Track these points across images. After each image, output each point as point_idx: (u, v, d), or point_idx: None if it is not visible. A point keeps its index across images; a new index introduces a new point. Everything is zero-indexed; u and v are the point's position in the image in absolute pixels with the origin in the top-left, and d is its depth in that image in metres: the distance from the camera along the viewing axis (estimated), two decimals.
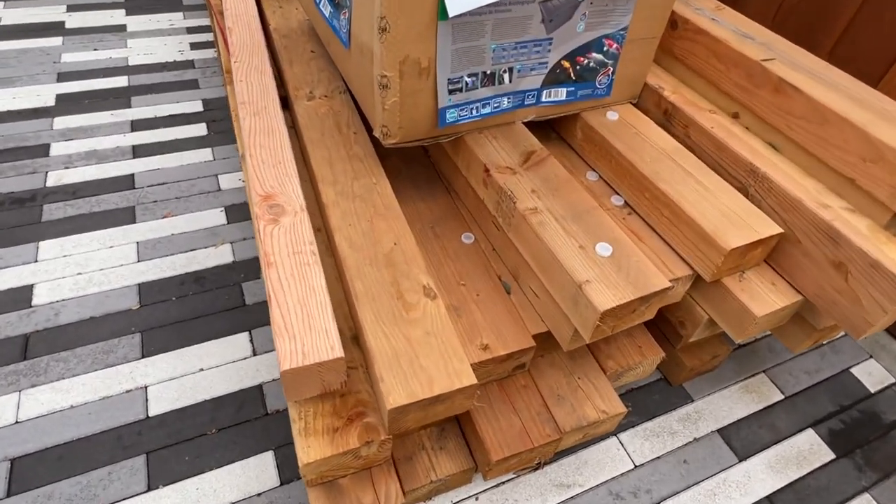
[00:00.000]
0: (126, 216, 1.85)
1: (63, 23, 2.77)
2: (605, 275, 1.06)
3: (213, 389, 1.43)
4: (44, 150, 2.05)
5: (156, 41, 2.70)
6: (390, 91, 1.17)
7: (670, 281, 1.13)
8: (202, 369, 1.47)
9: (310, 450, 1.00)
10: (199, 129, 2.22)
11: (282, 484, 1.29)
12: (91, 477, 1.26)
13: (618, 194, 1.39)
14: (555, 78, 1.32)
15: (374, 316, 1.07)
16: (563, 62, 1.30)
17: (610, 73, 1.37)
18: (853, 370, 1.65)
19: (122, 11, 2.89)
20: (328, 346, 0.95)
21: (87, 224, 1.80)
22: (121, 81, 2.43)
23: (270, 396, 1.44)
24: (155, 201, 1.91)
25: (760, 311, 1.16)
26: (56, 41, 2.64)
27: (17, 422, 1.33)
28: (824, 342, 1.71)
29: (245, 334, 1.56)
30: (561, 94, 1.36)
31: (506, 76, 1.25)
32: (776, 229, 1.16)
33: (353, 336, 1.19)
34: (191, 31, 2.80)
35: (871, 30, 1.47)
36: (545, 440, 1.21)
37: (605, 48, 1.31)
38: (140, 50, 2.63)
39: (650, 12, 1.30)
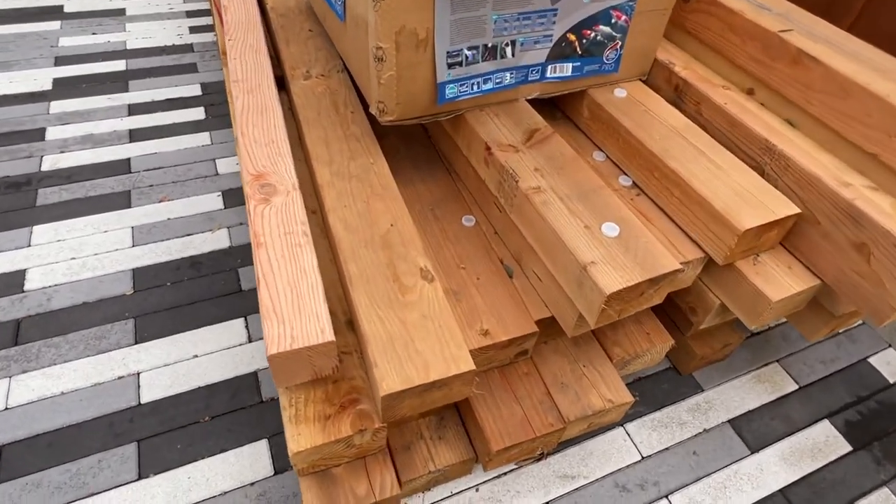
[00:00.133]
0: (121, 201, 1.81)
1: (61, 7, 2.73)
2: (611, 256, 1.00)
3: (207, 376, 1.40)
4: (39, 134, 2.02)
5: (155, 25, 2.65)
6: (386, 64, 1.11)
7: (681, 264, 1.07)
8: (196, 356, 1.43)
9: (300, 438, 0.96)
10: (198, 113, 2.18)
11: (276, 473, 1.25)
12: (81, 465, 1.23)
13: (626, 174, 1.33)
14: (560, 52, 1.25)
15: (369, 299, 1.02)
16: (568, 35, 1.23)
17: (618, 47, 1.30)
18: (871, 360, 1.58)
19: None
20: (318, 329, 0.90)
21: (81, 208, 1.77)
22: (119, 65, 2.39)
23: (266, 384, 1.40)
24: (151, 186, 1.87)
25: (776, 296, 1.10)
26: (54, 25, 2.60)
27: (6, 408, 1.30)
28: (841, 330, 1.65)
29: (241, 320, 1.52)
30: (566, 69, 1.30)
31: (508, 50, 1.19)
32: (793, 209, 1.10)
33: (347, 320, 1.15)
34: (190, 14, 2.76)
35: (893, 5, 1.39)
36: (548, 429, 1.16)
37: (612, 20, 1.24)
38: (139, 34, 2.58)
39: None
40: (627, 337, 1.31)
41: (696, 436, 1.38)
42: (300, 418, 0.98)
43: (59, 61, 2.38)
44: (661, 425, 1.40)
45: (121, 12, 2.72)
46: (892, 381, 1.54)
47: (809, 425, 1.43)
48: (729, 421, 1.42)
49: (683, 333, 1.41)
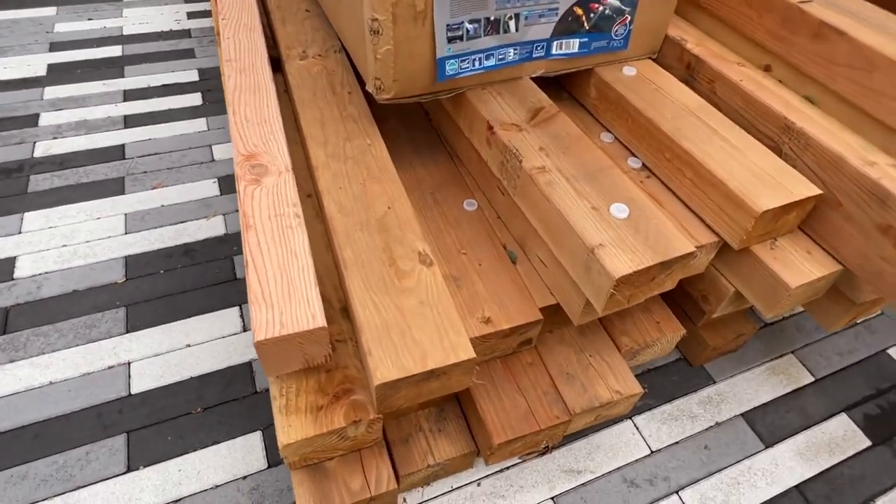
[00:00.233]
0: (115, 187, 1.76)
1: None
2: (620, 238, 0.94)
3: (200, 366, 1.35)
4: (33, 120, 1.97)
5: (152, 10, 2.60)
6: (382, 38, 1.06)
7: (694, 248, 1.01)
8: (189, 345, 1.39)
9: (290, 429, 0.91)
10: (194, 99, 2.13)
11: (269, 466, 1.20)
12: (68, 457, 1.19)
13: (635, 156, 1.27)
14: (566, 27, 1.19)
15: (364, 284, 0.97)
16: (575, 9, 1.17)
17: (627, 22, 1.24)
18: (890, 351, 1.52)
19: None
20: (309, 314, 0.85)
21: (73, 195, 1.72)
22: (115, 51, 2.34)
23: (260, 374, 1.35)
24: (145, 172, 1.82)
25: (795, 282, 1.04)
26: (50, 11, 2.55)
27: None
28: (859, 321, 1.58)
29: (235, 309, 1.47)
30: (573, 45, 1.24)
31: (511, 24, 1.13)
32: (814, 190, 1.04)
33: (342, 308, 1.10)
34: None
35: None
36: (553, 422, 1.11)
37: None
38: (136, 19, 2.53)
39: None
40: (636, 326, 1.26)
41: (707, 429, 1.33)
42: (291, 409, 0.93)
43: (54, 47, 2.33)
44: (671, 418, 1.34)
45: None
46: None
47: (826, 419, 1.37)
48: (742, 414, 1.36)
49: (695, 323, 1.35)
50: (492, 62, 1.18)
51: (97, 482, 1.15)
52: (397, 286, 0.97)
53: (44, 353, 1.35)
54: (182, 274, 1.54)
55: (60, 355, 1.34)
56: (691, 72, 1.31)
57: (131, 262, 1.56)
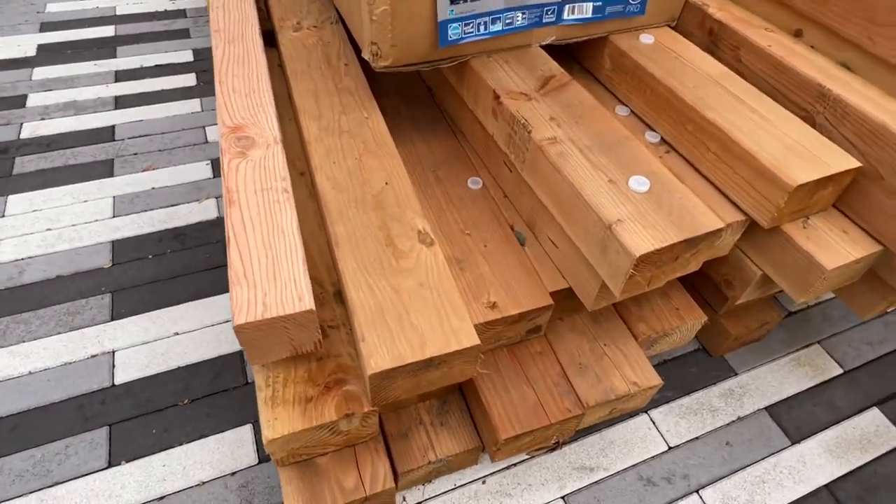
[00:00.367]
0: (103, 169, 1.68)
1: None
2: (641, 213, 0.85)
3: (188, 355, 1.27)
4: (20, 101, 1.90)
5: None
6: None
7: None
8: (177, 333, 1.31)
9: (277, 423, 0.83)
10: (188, 80, 2.04)
11: (260, 462, 1.13)
12: (46, 451, 1.11)
13: (653, 130, 1.17)
14: None
15: (357, 264, 0.88)
16: None
17: None
18: None
19: None
20: (296, 296, 0.77)
21: (60, 177, 1.65)
22: (107, 31, 2.25)
23: None
24: (135, 154, 1.74)
25: (831, 264, 0.95)
26: None
27: None
28: (889, 309, 1.49)
29: (225, 296, 1.39)
30: (586, 9, 1.14)
31: None
32: (853, 163, 0.95)
33: (336, 292, 1.02)
34: None
35: None
36: (565, 416, 1.02)
37: None
38: None
39: None
40: (654, 313, 1.17)
41: (729, 424, 1.24)
42: (278, 400, 0.85)
43: (45, 27, 2.25)
44: (690, 412, 1.25)
45: None
46: None
47: (857, 413, 1.28)
48: (766, 408, 1.27)
49: (715, 311, 1.26)
50: (498, 27, 1.09)
51: (76, 478, 1.08)
52: (394, 266, 0.88)
53: (23, 342, 1.27)
54: (171, 259, 1.46)
55: (41, 343, 1.27)
56: (714, 39, 1.21)
57: (118, 246, 1.48)
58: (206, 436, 1.15)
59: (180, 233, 1.52)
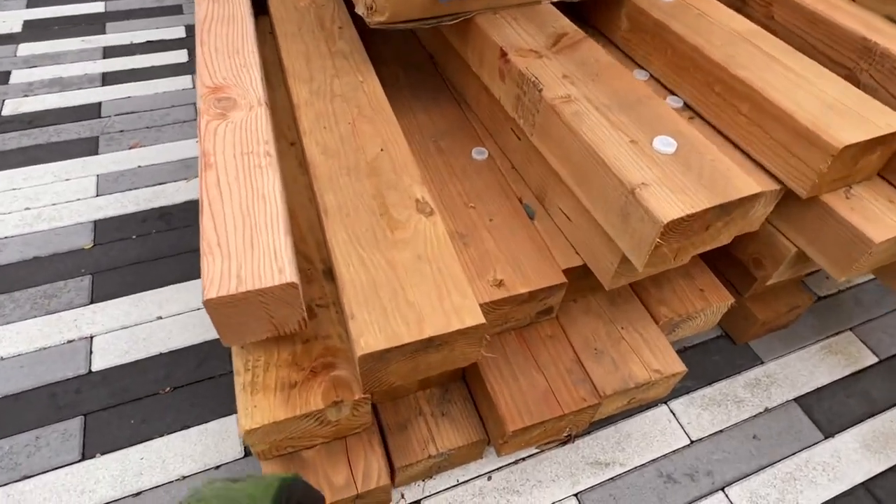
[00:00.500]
0: (88, 147, 1.59)
1: None
2: (667, 176, 0.75)
3: (171, 341, 1.18)
4: (3, 77, 1.81)
5: None
6: None
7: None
8: (160, 317, 1.22)
9: (256, 411, 0.74)
10: (179, 56, 1.95)
11: (247, 455, 1.04)
12: (15, 442, 1.03)
13: (675, 95, 1.07)
14: None
15: (348, 235, 0.79)
16: None
17: None
18: None
19: None
20: (276, 268, 0.68)
21: (42, 155, 1.56)
22: (97, 7, 2.16)
23: None
24: (122, 131, 1.65)
25: (879, 237, 0.85)
26: None
27: None
28: None
29: None
30: None
31: None
32: None
33: (326, 269, 0.92)
34: None
35: None
36: (579, 406, 0.93)
37: None
38: None
39: None
40: (676, 294, 1.07)
41: (756, 416, 1.14)
42: (257, 386, 0.76)
43: (32, 3, 2.16)
44: (713, 403, 1.15)
45: None
46: None
47: (894, 405, 1.17)
48: (796, 399, 1.17)
49: (741, 294, 1.16)
50: None
51: (46, 471, 1.00)
52: (389, 238, 0.79)
53: None
54: (156, 239, 1.37)
55: (14, 328, 1.19)
56: None
57: (101, 226, 1.39)
58: (189, 427, 1.07)
59: (166, 212, 1.43)
